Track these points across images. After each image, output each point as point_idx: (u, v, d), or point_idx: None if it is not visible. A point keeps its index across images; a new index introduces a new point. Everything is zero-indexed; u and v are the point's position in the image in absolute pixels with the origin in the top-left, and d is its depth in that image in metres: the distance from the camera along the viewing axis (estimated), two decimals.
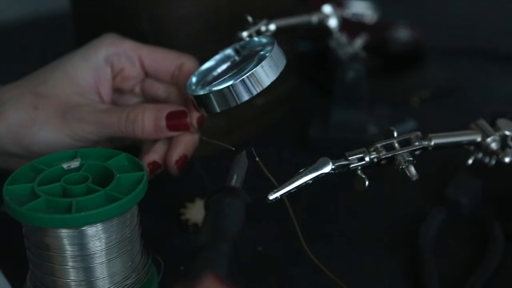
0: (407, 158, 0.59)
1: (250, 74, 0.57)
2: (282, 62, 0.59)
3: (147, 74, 0.67)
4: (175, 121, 0.62)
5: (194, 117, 0.62)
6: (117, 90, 0.67)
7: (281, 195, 0.56)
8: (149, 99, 0.68)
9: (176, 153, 0.62)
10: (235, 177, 0.54)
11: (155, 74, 0.66)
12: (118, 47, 0.65)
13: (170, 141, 0.63)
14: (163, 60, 0.66)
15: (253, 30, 0.67)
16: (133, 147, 0.66)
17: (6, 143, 0.62)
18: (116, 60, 0.65)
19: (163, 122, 0.62)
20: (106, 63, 0.65)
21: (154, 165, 0.63)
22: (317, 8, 0.77)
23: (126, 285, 0.55)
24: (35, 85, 0.64)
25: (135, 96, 0.68)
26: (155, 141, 0.64)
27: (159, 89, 0.66)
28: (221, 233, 0.47)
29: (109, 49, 0.65)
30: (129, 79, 0.66)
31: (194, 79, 0.62)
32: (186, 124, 0.62)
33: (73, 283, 0.53)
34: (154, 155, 0.63)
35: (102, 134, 0.62)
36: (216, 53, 0.64)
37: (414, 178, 0.58)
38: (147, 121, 0.61)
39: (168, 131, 0.62)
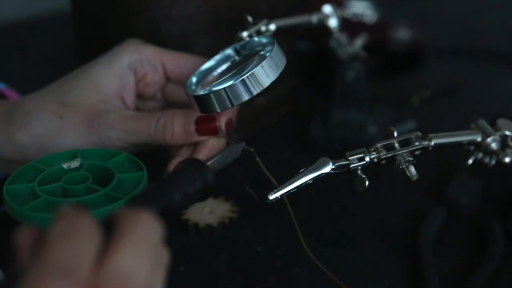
0: (407, 158, 0.59)
1: (250, 74, 0.57)
2: (282, 62, 0.59)
3: (169, 79, 0.67)
4: (204, 126, 0.62)
5: (222, 121, 0.62)
6: (139, 96, 0.67)
7: (281, 195, 0.56)
8: (170, 104, 0.68)
9: (200, 157, 0.62)
10: (216, 159, 0.54)
11: (177, 79, 0.66)
12: (140, 53, 0.65)
13: (195, 144, 0.63)
14: (185, 64, 0.65)
15: (253, 30, 0.67)
16: (159, 151, 0.66)
17: (31, 153, 0.62)
18: (139, 67, 0.65)
19: (192, 127, 0.62)
20: (129, 70, 0.65)
21: None
22: (317, 8, 0.77)
23: None
24: (60, 94, 0.64)
25: (156, 102, 0.68)
26: (182, 145, 0.64)
27: (181, 94, 0.66)
28: (149, 194, 0.47)
29: (132, 55, 0.65)
30: (152, 84, 0.66)
31: (194, 79, 0.62)
32: (215, 128, 0.62)
33: None
34: (180, 159, 0.63)
35: (130, 140, 0.62)
36: (216, 53, 0.64)
37: (414, 178, 0.58)
38: (177, 126, 0.62)
39: (197, 135, 0.62)
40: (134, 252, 0.38)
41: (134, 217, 0.39)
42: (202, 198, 0.51)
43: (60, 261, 0.36)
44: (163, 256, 0.41)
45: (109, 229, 0.39)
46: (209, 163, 0.53)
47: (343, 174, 0.59)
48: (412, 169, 0.58)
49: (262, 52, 0.61)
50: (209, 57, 0.64)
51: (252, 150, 0.57)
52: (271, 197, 0.56)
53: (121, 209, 0.40)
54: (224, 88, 0.57)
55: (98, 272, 0.37)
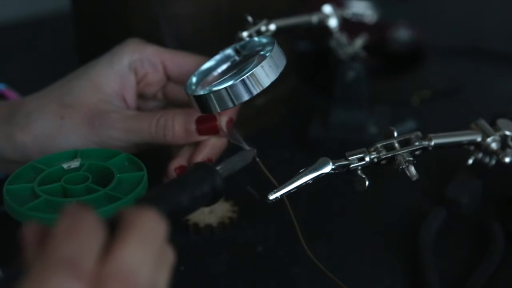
0: (407, 158, 0.59)
1: (250, 74, 0.57)
2: (282, 62, 0.59)
3: (169, 79, 0.67)
4: (205, 125, 0.62)
5: (223, 120, 0.62)
6: (140, 96, 0.67)
7: (281, 195, 0.56)
8: (171, 103, 0.68)
9: (201, 156, 0.62)
10: (226, 163, 0.54)
11: (177, 78, 0.66)
12: (141, 53, 0.65)
13: (196, 144, 0.63)
14: (186, 64, 0.65)
15: (253, 30, 0.67)
16: (159, 150, 0.66)
17: (32, 153, 0.62)
18: (139, 66, 0.65)
19: (193, 127, 0.62)
20: (130, 70, 0.65)
21: (181, 169, 0.63)
22: (317, 8, 0.77)
23: None
24: (60, 95, 0.64)
25: (157, 101, 0.68)
26: (183, 145, 0.64)
27: (181, 93, 0.66)
28: (157, 196, 0.47)
29: (133, 55, 0.65)
30: (152, 84, 0.66)
31: (194, 79, 0.62)
32: (216, 128, 0.62)
33: None
34: (181, 159, 0.63)
35: (131, 140, 0.62)
36: (216, 53, 0.64)
37: (414, 178, 0.58)
38: (178, 126, 0.62)
39: (198, 135, 0.62)
40: (138, 248, 0.38)
41: (139, 215, 0.40)
42: (210, 202, 0.51)
43: (65, 255, 0.36)
44: (168, 255, 0.41)
45: (114, 227, 0.39)
46: (218, 167, 0.53)
47: (343, 174, 0.59)
48: (412, 169, 0.58)
49: (262, 52, 0.61)
50: (209, 57, 0.64)
51: (258, 160, 0.57)
52: (271, 197, 0.56)
53: (126, 208, 0.41)
54: (224, 88, 0.57)
55: (102, 267, 0.37)
